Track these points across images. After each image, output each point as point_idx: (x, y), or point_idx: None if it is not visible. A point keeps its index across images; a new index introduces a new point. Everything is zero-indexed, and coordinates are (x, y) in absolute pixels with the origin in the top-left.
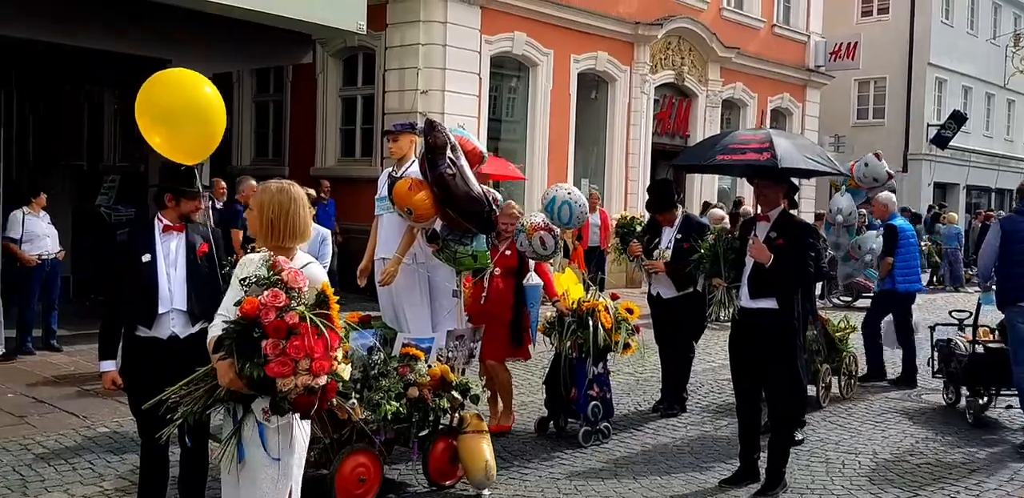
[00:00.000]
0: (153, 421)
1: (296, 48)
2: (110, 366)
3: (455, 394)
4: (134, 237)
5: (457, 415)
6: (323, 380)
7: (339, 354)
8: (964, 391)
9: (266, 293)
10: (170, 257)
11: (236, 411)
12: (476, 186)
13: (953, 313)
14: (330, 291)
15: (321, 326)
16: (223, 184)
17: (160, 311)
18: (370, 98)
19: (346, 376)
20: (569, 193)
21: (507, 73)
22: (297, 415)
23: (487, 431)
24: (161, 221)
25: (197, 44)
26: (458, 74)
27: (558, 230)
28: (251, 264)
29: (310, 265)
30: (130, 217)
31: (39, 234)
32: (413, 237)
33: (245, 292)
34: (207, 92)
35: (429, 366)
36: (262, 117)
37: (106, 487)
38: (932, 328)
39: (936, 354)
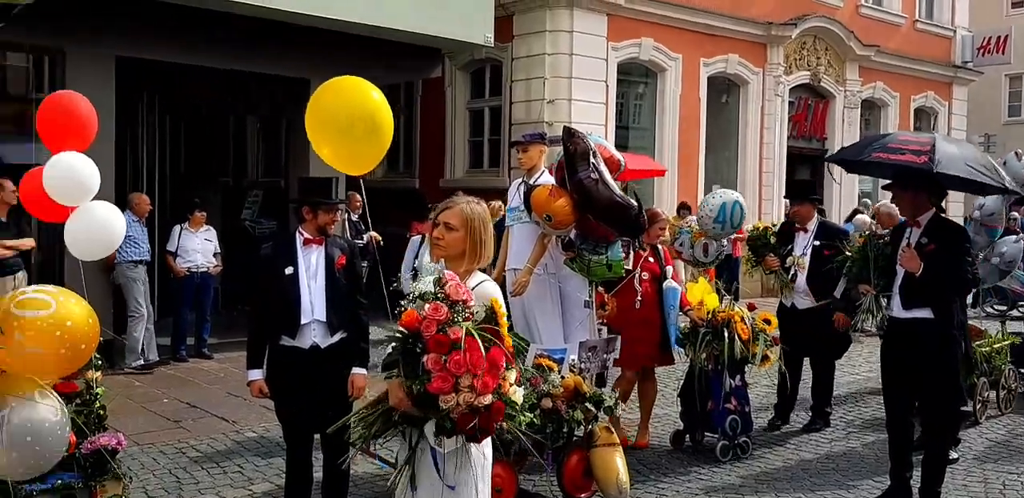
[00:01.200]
0: (298, 428)
1: (426, 63)
2: (257, 375)
3: (588, 406)
4: (277, 250)
5: (589, 427)
6: (487, 399)
7: (510, 374)
8: None
9: (427, 306)
10: (310, 269)
11: (411, 436)
12: (619, 191)
13: None
14: (499, 307)
15: (487, 341)
16: (358, 197)
17: (302, 322)
18: (497, 109)
19: (518, 399)
20: (734, 194)
21: (634, 80)
22: (465, 438)
23: (619, 444)
24: (301, 234)
25: (332, 63)
26: (585, 82)
27: (725, 241)
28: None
29: (484, 283)
30: (272, 230)
31: (190, 249)
32: (544, 247)
33: (410, 307)
34: (376, 102)
35: (562, 377)
36: (393, 130)
37: (255, 490)
38: None
39: None
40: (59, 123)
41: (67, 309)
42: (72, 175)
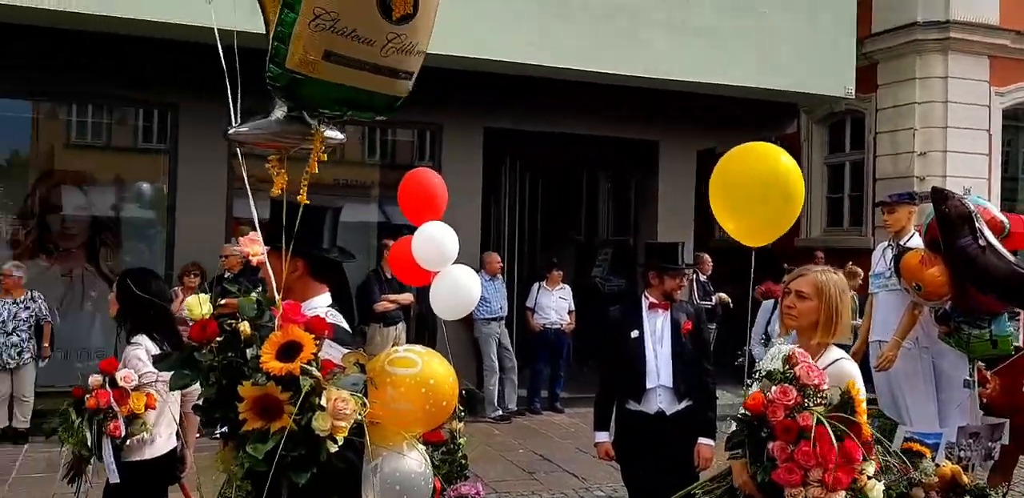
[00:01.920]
0: (644, 493)
1: (780, 119)
2: (604, 437)
3: None
4: (624, 313)
5: None
6: (839, 496)
7: (868, 467)
8: None
9: (775, 388)
10: (656, 334)
11: None
12: (1013, 258)
13: None
14: (856, 392)
15: (840, 432)
16: (708, 259)
17: (647, 386)
18: (859, 164)
19: (877, 495)
20: None
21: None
22: None
23: None
24: (647, 298)
25: (681, 123)
26: (962, 132)
27: None
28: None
29: (840, 361)
30: (621, 287)
31: (545, 306)
32: (915, 318)
33: (756, 388)
34: (786, 166)
35: (937, 465)
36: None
37: None
38: None
39: None
40: (416, 198)
41: (431, 369)
42: (436, 244)
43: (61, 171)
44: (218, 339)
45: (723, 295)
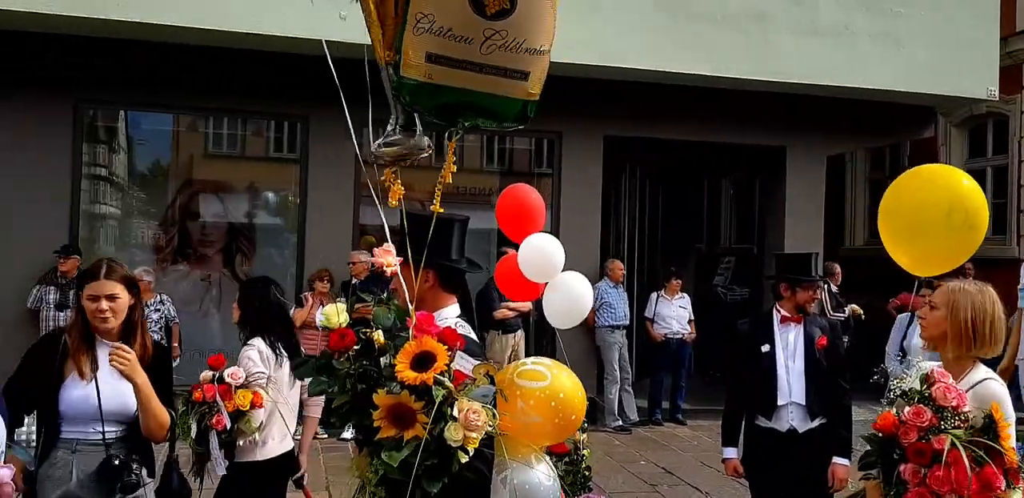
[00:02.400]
0: None
1: (917, 122)
2: (732, 453)
3: None
4: (754, 327)
5: None
6: None
7: (1013, 496)
8: None
9: (908, 409)
10: (788, 349)
11: None
12: None
13: None
14: (1000, 415)
15: (979, 457)
16: (838, 268)
17: (779, 403)
18: (1002, 169)
19: None
20: None
21: None
22: None
23: None
24: (779, 311)
25: (812, 128)
26: None
27: None
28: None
29: (986, 381)
30: (744, 297)
31: (666, 315)
32: None
33: (888, 409)
34: (969, 189)
35: None
36: (876, 196)
37: None
38: None
39: None
40: (514, 215)
41: (560, 382)
42: (543, 254)
43: (200, 180)
44: (355, 347)
45: (855, 307)
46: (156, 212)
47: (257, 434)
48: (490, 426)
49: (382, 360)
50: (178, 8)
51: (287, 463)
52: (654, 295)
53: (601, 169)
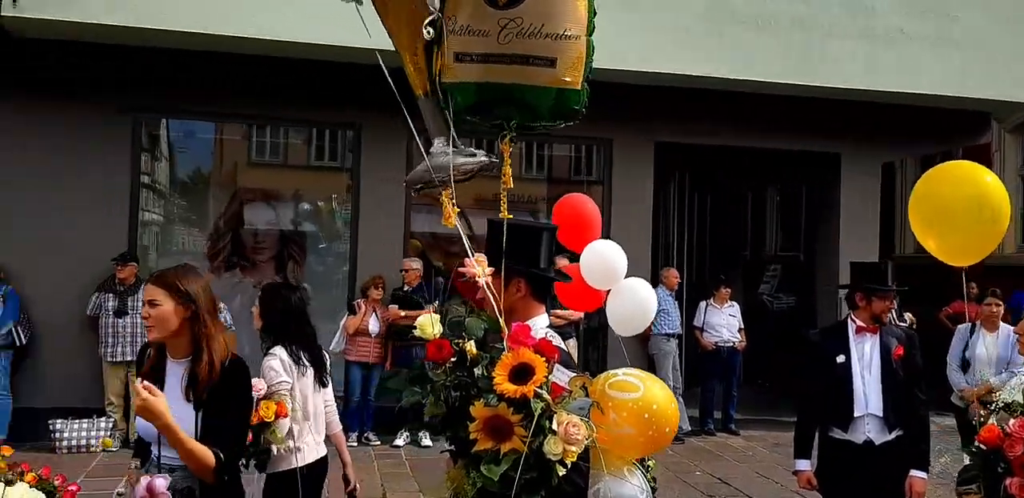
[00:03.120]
0: None
1: (972, 128)
2: (805, 465)
3: None
4: (828, 337)
5: None
6: None
7: None
8: None
9: (1013, 422)
10: (864, 359)
11: None
12: None
13: None
14: None
15: None
16: None
17: (855, 414)
18: None
19: None
20: None
21: None
22: None
23: None
24: (854, 322)
25: (867, 135)
26: None
27: None
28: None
29: None
30: (790, 305)
31: (715, 324)
32: None
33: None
34: (989, 185)
35: None
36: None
37: None
38: None
39: None
40: (571, 223)
41: (653, 393)
42: (606, 260)
43: (253, 188)
44: (452, 359)
45: (909, 315)
46: (210, 220)
47: (292, 441)
48: (589, 440)
49: (475, 371)
50: (230, 18)
51: (322, 468)
52: (703, 304)
53: (652, 176)
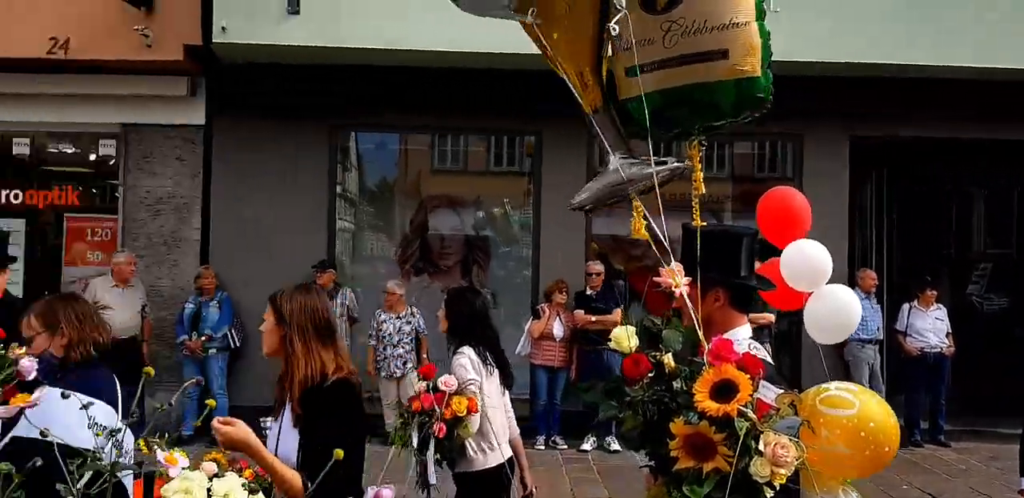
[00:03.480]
0: None
1: None
2: None
3: None
4: None
5: None
6: None
7: None
8: None
9: None
10: None
11: None
12: None
13: None
14: None
15: None
16: None
17: None
18: None
19: None
20: None
21: None
22: None
23: None
24: None
25: None
26: None
27: None
28: None
29: None
30: (1003, 307)
31: (920, 328)
32: None
33: None
34: None
35: None
36: None
37: None
38: None
39: None
40: (777, 217)
41: (869, 409)
42: (809, 261)
43: (438, 195)
44: (649, 374)
45: None
46: (393, 227)
47: (483, 442)
48: (798, 461)
49: (674, 384)
50: (422, 32)
51: (507, 471)
52: (906, 306)
53: (847, 172)
